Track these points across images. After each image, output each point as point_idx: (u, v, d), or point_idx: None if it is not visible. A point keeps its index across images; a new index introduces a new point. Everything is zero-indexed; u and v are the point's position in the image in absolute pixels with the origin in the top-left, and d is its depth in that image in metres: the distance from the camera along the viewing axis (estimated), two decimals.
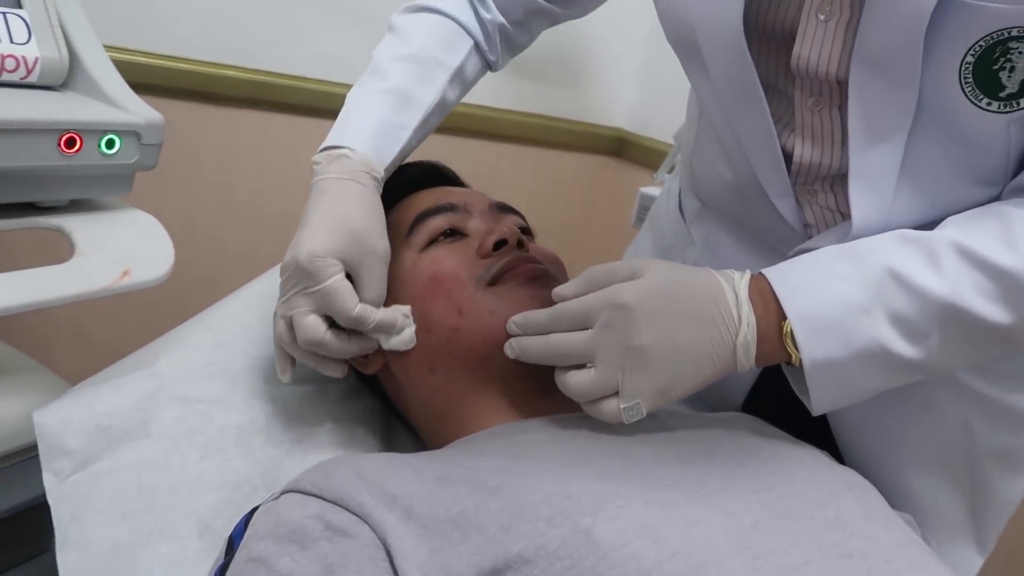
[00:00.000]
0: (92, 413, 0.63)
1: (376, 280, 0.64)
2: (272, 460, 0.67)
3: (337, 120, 0.73)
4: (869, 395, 0.58)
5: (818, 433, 0.70)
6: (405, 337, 0.65)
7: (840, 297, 0.55)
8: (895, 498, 0.69)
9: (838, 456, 0.71)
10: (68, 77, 0.80)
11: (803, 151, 0.65)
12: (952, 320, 0.55)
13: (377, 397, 0.76)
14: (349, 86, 1.42)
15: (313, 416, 0.72)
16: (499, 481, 0.49)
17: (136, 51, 1.25)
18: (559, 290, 0.61)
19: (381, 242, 0.65)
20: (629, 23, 1.74)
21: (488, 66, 0.83)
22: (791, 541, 0.47)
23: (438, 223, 0.69)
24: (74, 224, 0.76)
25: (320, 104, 1.43)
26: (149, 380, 0.67)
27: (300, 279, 0.62)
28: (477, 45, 0.79)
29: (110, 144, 0.76)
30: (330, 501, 0.50)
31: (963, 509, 0.72)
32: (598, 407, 0.57)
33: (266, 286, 0.82)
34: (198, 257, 1.40)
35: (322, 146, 0.71)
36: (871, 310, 0.54)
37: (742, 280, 0.58)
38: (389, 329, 0.64)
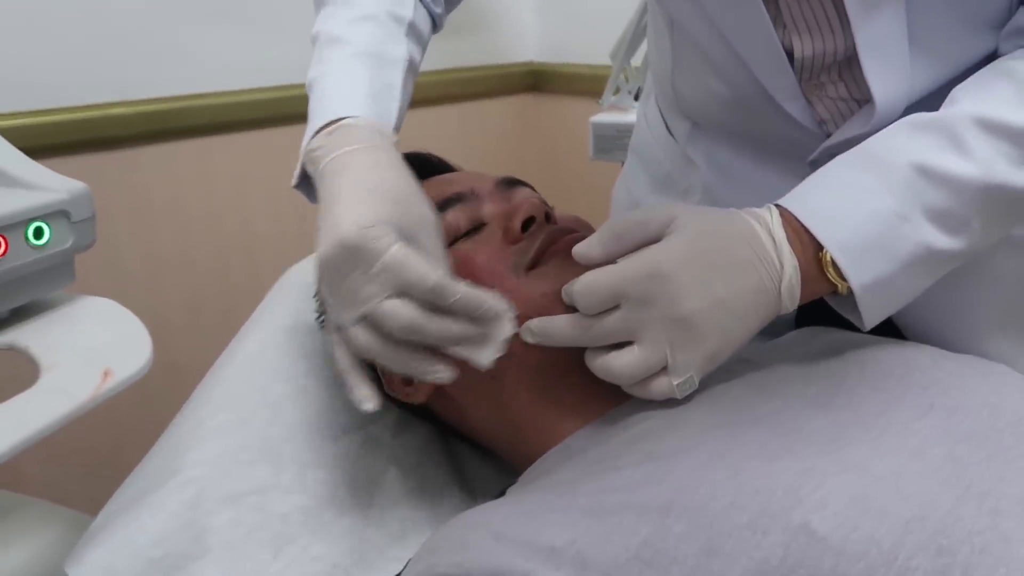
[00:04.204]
0: (136, 549, 0.54)
1: (438, 251, 0.54)
2: (353, 533, 0.59)
3: (314, 99, 0.63)
4: (916, 295, 0.55)
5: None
6: (508, 326, 0.52)
7: (873, 211, 0.52)
8: None
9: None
10: None
11: (803, 45, 0.60)
12: (992, 200, 0.52)
13: (430, 424, 0.69)
14: (254, 91, 1.33)
15: (375, 466, 0.64)
16: (663, 496, 0.42)
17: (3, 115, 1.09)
18: (583, 249, 0.54)
19: (429, 209, 0.55)
20: None
21: (434, 21, 0.75)
22: (999, 464, 0.43)
23: (454, 219, 0.61)
24: (26, 336, 0.65)
25: (228, 117, 1.30)
26: (184, 488, 0.58)
27: (354, 263, 0.50)
28: None
29: (39, 233, 0.64)
30: None
31: None
32: (647, 387, 0.52)
33: (254, 341, 0.72)
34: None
35: (313, 128, 0.60)
36: (908, 215, 0.51)
37: (774, 219, 0.53)
38: (477, 308, 0.51)
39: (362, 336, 0.52)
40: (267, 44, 1.32)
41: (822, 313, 0.64)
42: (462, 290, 0.51)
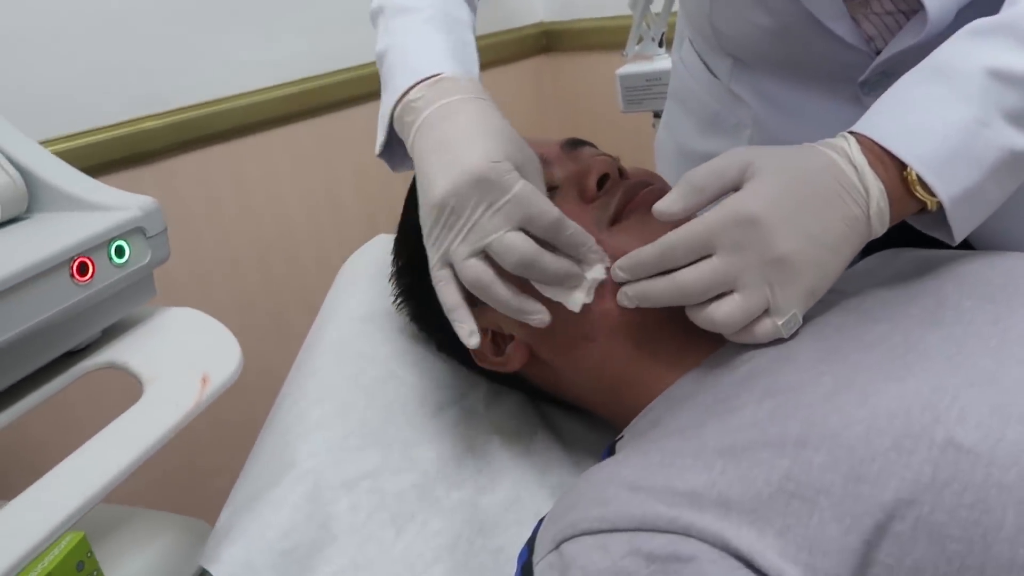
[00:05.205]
0: (268, 543, 0.56)
1: (544, 190, 0.55)
2: (466, 503, 0.60)
3: (390, 65, 0.63)
4: (1001, 203, 0.55)
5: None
6: (601, 270, 0.55)
7: (952, 121, 0.51)
8: None
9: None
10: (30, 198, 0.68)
11: None
12: None
13: (521, 391, 0.70)
14: (275, 88, 1.32)
15: (475, 437, 0.65)
16: (796, 429, 0.43)
17: (45, 141, 1.10)
18: (664, 206, 0.54)
19: (535, 154, 0.57)
20: None
21: None
22: None
23: None
24: (123, 352, 0.67)
25: (253, 117, 1.30)
26: (301, 480, 0.59)
27: (480, 195, 0.51)
28: None
29: (120, 252, 0.66)
30: (632, 530, 0.43)
31: None
32: (751, 332, 0.52)
33: (335, 331, 0.73)
34: None
35: (400, 88, 0.60)
36: (988, 120, 0.50)
37: (852, 146, 0.52)
38: (584, 244, 0.54)
39: (477, 268, 0.53)
40: (282, 40, 1.32)
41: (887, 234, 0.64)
42: (575, 226, 0.53)
